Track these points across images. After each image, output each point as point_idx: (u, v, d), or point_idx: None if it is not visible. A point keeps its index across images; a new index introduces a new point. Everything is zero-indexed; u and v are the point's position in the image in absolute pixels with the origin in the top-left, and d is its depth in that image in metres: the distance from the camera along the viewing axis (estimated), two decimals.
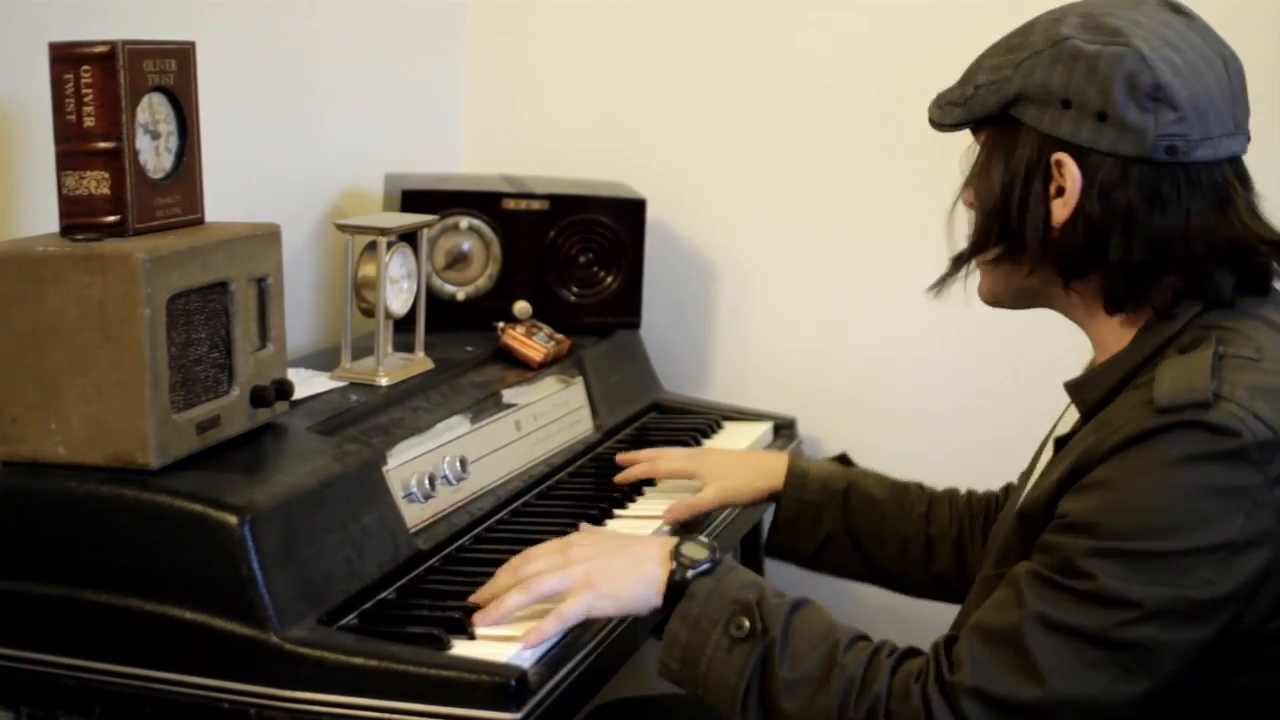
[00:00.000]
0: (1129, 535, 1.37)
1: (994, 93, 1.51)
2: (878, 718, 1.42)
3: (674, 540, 1.59)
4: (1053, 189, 1.49)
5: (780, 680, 1.46)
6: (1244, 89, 1.50)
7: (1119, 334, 1.52)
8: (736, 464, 2.06)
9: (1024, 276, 1.54)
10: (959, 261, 1.58)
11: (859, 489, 1.96)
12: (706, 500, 2.00)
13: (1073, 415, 1.58)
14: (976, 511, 1.94)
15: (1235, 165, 1.49)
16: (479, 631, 1.55)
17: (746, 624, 1.49)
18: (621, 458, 2.12)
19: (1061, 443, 1.53)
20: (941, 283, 1.60)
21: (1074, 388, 1.55)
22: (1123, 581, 1.36)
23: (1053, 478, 1.48)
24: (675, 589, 1.54)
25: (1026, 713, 1.38)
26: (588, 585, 1.56)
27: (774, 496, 2.01)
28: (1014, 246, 1.52)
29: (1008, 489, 1.95)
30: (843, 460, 2.08)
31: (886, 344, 2.64)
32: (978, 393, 2.59)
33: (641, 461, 2.08)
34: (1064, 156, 1.47)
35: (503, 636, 1.54)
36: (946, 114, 1.58)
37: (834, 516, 1.95)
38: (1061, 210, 1.48)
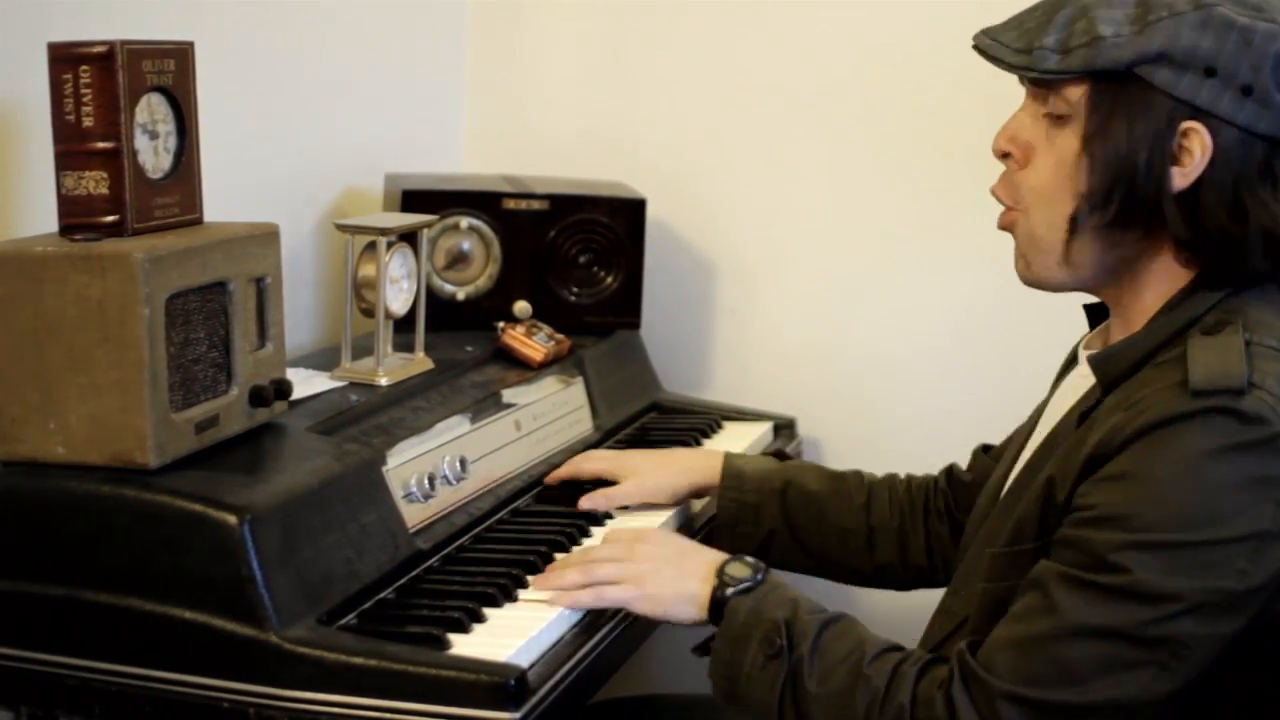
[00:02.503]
0: (1161, 527, 1.36)
1: (1124, 47, 1.43)
2: None
3: (723, 558, 1.64)
4: (1169, 155, 1.45)
5: (810, 695, 1.48)
6: None
7: (1149, 308, 1.51)
8: (657, 462, 2.04)
9: (1133, 243, 1.49)
10: (1076, 224, 1.49)
11: (796, 484, 1.96)
12: (622, 493, 1.98)
13: (1081, 384, 1.57)
14: (916, 499, 1.95)
15: None
16: (523, 595, 1.66)
17: (779, 641, 1.51)
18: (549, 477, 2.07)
19: (1084, 416, 1.51)
20: (1067, 249, 1.51)
21: (1097, 362, 1.52)
22: (1159, 574, 1.35)
23: (1080, 454, 1.45)
24: (717, 606, 1.59)
25: (1066, 715, 1.37)
26: (638, 583, 1.64)
27: (698, 494, 2.01)
28: (1136, 211, 1.46)
29: (949, 470, 1.96)
30: (778, 455, 2.07)
31: (887, 344, 2.64)
32: (978, 392, 2.58)
33: (563, 469, 2.06)
34: (1196, 125, 1.43)
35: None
36: (1042, 59, 1.47)
37: (773, 514, 1.95)
38: (1180, 179, 1.44)
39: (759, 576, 1.60)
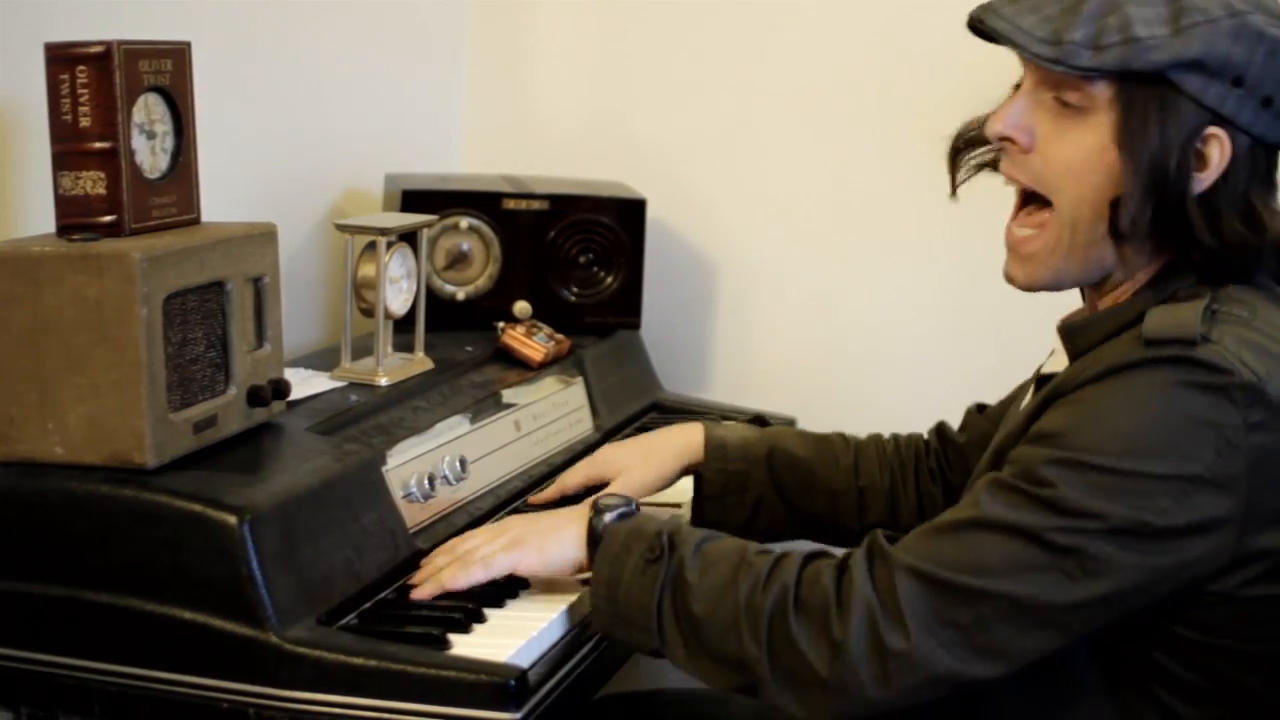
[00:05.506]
0: (1095, 449, 1.37)
1: (1161, 50, 1.41)
2: (786, 605, 1.43)
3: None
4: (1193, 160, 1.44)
5: (691, 587, 1.48)
6: None
7: (1121, 295, 1.52)
8: (639, 454, 1.96)
9: (1133, 249, 1.48)
10: (1116, 227, 1.46)
11: (781, 450, 1.92)
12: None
13: (1057, 361, 1.58)
14: (907, 459, 1.94)
15: None
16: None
17: (660, 546, 1.52)
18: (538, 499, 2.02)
19: (1043, 381, 1.53)
20: (1090, 243, 1.48)
21: (1068, 331, 1.53)
22: (1081, 493, 1.37)
23: (1029, 409, 1.48)
24: (595, 538, 1.58)
25: (961, 597, 1.38)
26: (515, 543, 1.64)
27: (688, 472, 1.95)
28: (1164, 215, 1.44)
29: (939, 429, 1.96)
30: (758, 421, 2.04)
31: (887, 344, 2.64)
32: (979, 393, 2.57)
33: (549, 489, 2.01)
34: (1218, 132, 1.44)
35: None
36: (1074, 55, 1.42)
37: (760, 481, 1.92)
38: (1198, 185, 1.45)
39: (632, 505, 1.62)
